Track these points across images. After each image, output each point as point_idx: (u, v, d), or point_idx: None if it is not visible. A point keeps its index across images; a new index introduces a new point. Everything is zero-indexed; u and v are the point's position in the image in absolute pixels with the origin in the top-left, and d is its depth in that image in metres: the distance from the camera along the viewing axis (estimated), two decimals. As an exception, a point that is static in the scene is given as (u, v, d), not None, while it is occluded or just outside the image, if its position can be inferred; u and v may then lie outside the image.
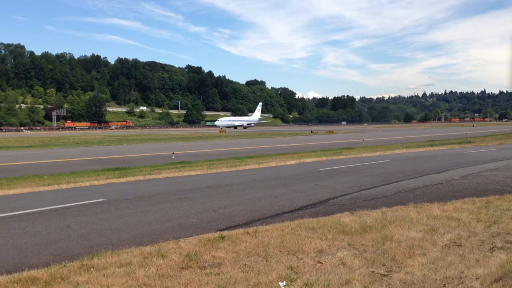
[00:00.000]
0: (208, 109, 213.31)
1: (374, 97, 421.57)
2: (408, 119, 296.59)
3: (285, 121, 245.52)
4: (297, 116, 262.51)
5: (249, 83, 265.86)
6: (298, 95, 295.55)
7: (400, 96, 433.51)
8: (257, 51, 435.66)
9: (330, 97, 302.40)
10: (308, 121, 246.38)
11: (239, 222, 9.74)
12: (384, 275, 6.00)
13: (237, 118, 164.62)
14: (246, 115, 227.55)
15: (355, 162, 23.09)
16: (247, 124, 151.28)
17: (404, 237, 7.77)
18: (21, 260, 7.15)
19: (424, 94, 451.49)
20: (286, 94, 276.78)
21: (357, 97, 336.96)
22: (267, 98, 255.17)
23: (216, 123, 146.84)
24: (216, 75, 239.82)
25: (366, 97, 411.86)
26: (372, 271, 6.14)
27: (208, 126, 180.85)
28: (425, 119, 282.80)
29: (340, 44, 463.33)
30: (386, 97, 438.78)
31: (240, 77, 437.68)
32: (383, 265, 6.43)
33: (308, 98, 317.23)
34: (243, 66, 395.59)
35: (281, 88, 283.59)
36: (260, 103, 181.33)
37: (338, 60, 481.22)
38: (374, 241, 7.64)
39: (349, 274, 6.00)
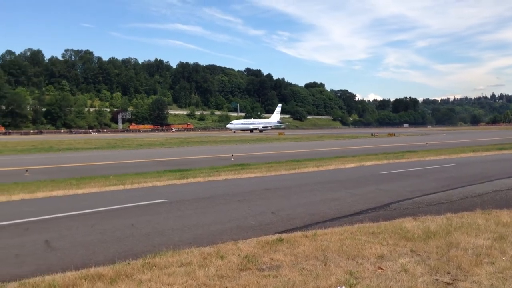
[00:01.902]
0: (267, 112, 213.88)
1: (439, 99, 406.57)
2: (475, 121, 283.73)
3: (344, 123, 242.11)
4: (357, 118, 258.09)
5: (308, 86, 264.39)
6: (358, 97, 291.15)
7: (466, 98, 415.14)
8: (316, 53, 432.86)
9: (392, 99, 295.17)
10: (368, 123, 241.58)
11: (298, 225, 9.68)
12: (449, 284, 5.75)
13: (252, 120, 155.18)
14: (305, 118, 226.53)
15: (418, 166, 22.36)
16: (263, 127, 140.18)
17: (471, 245, 7.42)
18: (88, 257, 7.45)
19: (493, 95, 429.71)
20: (345, 96, 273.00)
21: (420, 99, 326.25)
22: (326, 101, 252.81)
23: (228, 126, 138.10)
24: (275, 77, 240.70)
25: (430, 98, 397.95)
26: (436, 279, 5.90)
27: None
28: (493, 122, 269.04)
29: (402, 45, 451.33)
30: (452, 98, 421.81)
31: (299, 80, 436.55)
32: (448, 273, 6.16)
33: (369, 100, 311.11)
34: (302, 69, 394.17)
35: (340, 90, 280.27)
36: (280, 105, 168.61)
37: (400, 61, 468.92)
38: (438, 248, 7.34)
39: (411, 281, 5.79)
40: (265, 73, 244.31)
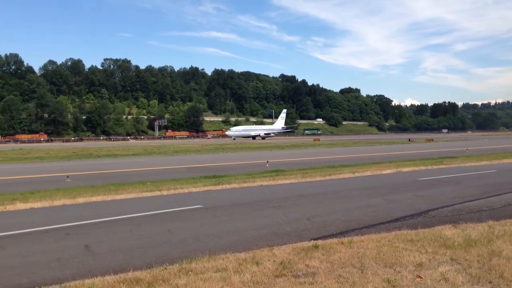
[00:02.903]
0: (302, 118, 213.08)
1: (479, 103, 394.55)
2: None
3: (381, 129, 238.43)
4: (394, 124, 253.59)
5: (343, 91, 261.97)
6: (395, 102, 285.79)
7: (508, 102, 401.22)
8: (352, 59, 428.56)
9: (430, 104, 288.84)
10: (405, 129, 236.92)
11: (333, 232, 9.59)
12: (492, 294, 5.57)
13: (254, 127, 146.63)
14: (340, 123, 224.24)
15: (458, 172, 21.80)
16: (265, 134, 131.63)
17: (515, 254, 7.17)
18: (126, 261, 7.60)
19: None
20: (381, 102, 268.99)
21: (459, 103, 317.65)
22: (361, 106, 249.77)
23: (227, 133, 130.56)
24: (309, 83, 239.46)
25: (470, 103, 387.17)
26: (478, 289, 5.72)
27: (307, 134, 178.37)
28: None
29: (440, 48, 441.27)
30: (493, 103, 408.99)
31: (334, 85, 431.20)
32: (490, 282, 5.97)
33: (406, 105, 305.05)
34: (337, 74, 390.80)
35: (376, 95, 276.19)
36: (285, 110, 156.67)
37: (438, 65, 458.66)
38: (479, 256, 7.12)
39: (451, 290, 5.64)
40: (299, 79, 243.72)
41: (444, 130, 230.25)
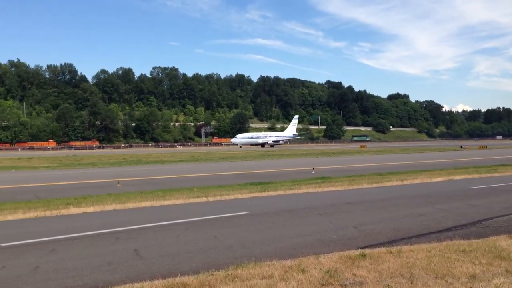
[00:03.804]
0: (348, 124, 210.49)
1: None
2: None
3: (431, 136, 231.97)
4: (445, 130, 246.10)
5: (391, 97, 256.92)
6: (446, 108, 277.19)
7: None
8: (400, 64, 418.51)
9: (483, 110, 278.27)
10: (457, 135, 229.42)
11: (381, 241, 9.39)
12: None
13: (262, 134, 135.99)
14: (388, 130, 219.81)
15: (513, 180, 20.87)
16: (274, 141, 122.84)
17: None
18: (174, 266, 7.72)
19: None
20: (431, 108, 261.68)
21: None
22: (410, 112, 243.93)
23: (233, 140, 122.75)
24: (356, 89, 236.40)
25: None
26: (537, 304, 5.44)
27: (355, 141, 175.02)
28: None
29: (494, 52, 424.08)
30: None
31: (382, 91, 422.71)
32: (550, 297, 5.66)
33: (457, 111, 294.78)
34: (384, 80, 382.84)
35: (426, 101, 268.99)
36: (297, 116, 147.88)
37: (492, 69, 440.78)
38: (538, 269, 6.78)
39: (507, 304, 5.39)
40: (346, 85, 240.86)
41: (499, 137, 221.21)
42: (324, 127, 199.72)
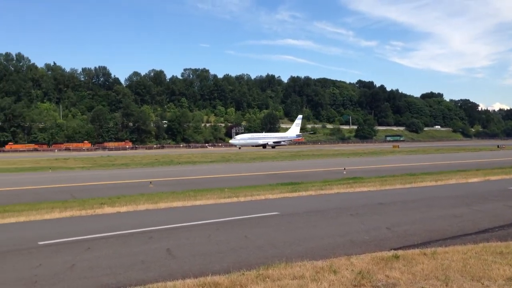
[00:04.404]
0: (380, 124, 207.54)
1: None
2: None
3: (466, 135, 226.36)
4: (480, 129, 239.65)
5: (424, 96, 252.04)
6: (481, 107, 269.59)
7: None
8: (433, 62, 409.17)
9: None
10: (493, 135, 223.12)
11: (415, 242, 9.23)
12: None
13: (262, 134, 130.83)
14: (421, 130, 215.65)
15: (554, 181, 20.18)
16: (275, 142, 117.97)
17: None
18: (205, 266, 7.79)
19: None
20: (467, 107, 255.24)
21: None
22: (444, 111, 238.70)
23: (231, 141, 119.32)
24: (388, 89, 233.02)
25: None
26: None
27: (389, 141, 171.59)
28: None
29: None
30: None
31: (415, 90, 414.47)
32: None
33: (494, 110, 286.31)
34: (417, 79, 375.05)
35: (461, 100, 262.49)
36: (300, 116, 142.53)
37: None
38: None
39: (548, 309, 5.21)
40: (377, 85, 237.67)
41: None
42: (355, 127, 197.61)
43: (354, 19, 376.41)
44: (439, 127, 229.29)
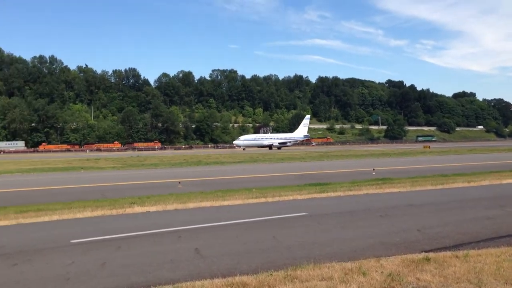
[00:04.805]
0: (410, 124, 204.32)
1: None
2: None
3: (500, 135, 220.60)
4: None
5: (456, 96, 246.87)
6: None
7: None
8: (465, 61, 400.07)
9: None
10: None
11: (446, 244, 9.05)
12: None
13: (268, 135, 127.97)
14: (453, 130, 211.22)
15: None
16: (281, 143, 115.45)
17: None
18: (233, 266, 7.82)
19: None
20: (501, 106, 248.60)
21: None
22: (477, 111, 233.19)
23: (235, 142, 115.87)
24: (418, 88, 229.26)
25: None
26: None
27: (420, 141, 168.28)
28: None
29: None
30: None
31: (446, 90, 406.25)
32: None
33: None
34: (449, 78, 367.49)
35: (494, 99, 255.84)
36: (308, 116, 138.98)
37: None
38: None
39: None
40: (408, 84, 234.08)
41: None
42: (384, 127, 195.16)
43: (383, 18, 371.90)
44: (481, 127, 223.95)
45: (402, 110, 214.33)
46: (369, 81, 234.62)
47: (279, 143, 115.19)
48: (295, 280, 6.64)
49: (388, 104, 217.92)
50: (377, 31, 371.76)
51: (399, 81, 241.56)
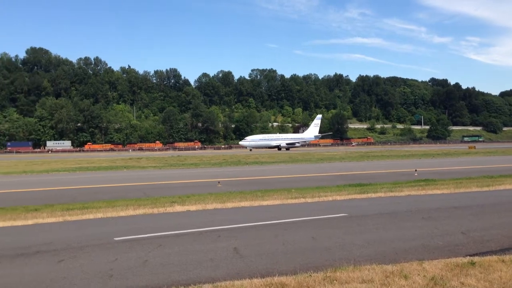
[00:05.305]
0: (454, 124, 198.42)
1: None
2: None
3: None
4: None
5: (504, 94, 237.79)
6: None
7: None
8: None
9: None
10: None
11: (493, 248, 8.75)
12: None
13: (275, 136, 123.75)
14: (500, 130, 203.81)
15: None
16: (289, 144, 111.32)
17: None
18: (272, 266, 7.82)
19: None
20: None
21: None
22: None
23: (241, 142, 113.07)
24: (464, 87, 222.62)
25: None
26: None
27: (466, 141, 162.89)
28: None
29: None
30: None
31: (493, 88, 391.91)
32: None
33: None
34: (496, 76, 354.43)
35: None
36: (319, 116, 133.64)
37: None
38: None
39: None
40: (452, 83, 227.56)
41: None
42: (427, 127, 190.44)
43: (426, 15, 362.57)
44: None
45: (446, 109, 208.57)
46: (411, 79, 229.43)
47: (286, 144, 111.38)
48: (335, 281, 6.58)
49: (432, 103, 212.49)
50: (420, 28, 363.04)
51: (443, 79, 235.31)
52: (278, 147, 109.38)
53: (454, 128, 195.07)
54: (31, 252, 9.18)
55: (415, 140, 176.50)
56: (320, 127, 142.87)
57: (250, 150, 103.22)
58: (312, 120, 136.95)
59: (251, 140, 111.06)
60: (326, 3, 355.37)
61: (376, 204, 15.17)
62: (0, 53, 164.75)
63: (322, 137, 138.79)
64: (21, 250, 9.39)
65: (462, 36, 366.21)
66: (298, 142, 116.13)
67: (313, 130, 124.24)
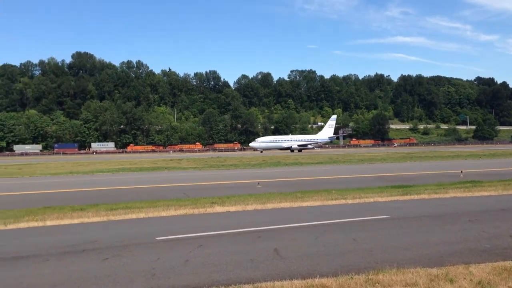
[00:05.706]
0: (502, 124, 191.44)
1: None
2: None
3: None
4: None
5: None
6: None
7: None
8: None
9: None
10: None
11: (544, 253, 8.36)
12: None
13: (288, 137, 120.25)
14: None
15: None
16: (301, 145, 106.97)
17: None
18: (313, 268, 7.75)
19: None
20: None
21: None
22: None
23: (252, 144, 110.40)
24: (511, 86, 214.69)
25: None
26: None
27: None
28: None
29: None
30: None
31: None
32: None
33: None
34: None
35: None
36: (334, 117, 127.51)
37: None
38: None
39: None
40: (499, 82, 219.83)
41: None
42: (473, 127, 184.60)
43: (472, 12, 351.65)
44: None
45: (492, 109, 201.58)
46: (456, 78, 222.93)
47: (298, 145, 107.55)
48: (377, 284, 6.46)
49: (477, 103, 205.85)
50: (465, 26, 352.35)
51: (490, 78, 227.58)
52: (290, 149, 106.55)
53: (502, 128, 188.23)
54: (77, 250, 9.46)
55: (460, 140, 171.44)
56: (360, 127, 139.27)
57: (261, 151, 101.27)
58: (352, 121, 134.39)
59: (261, 141, 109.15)
60: (366, 3, 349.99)
61: (420, 206, 14.81)
62: (47, 58, 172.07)
63: (343, 138, 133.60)
64: (68, 248, 9.69)
65: (509, 34, 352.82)
66: (310, 144, 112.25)
67: (327, 131, 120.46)
